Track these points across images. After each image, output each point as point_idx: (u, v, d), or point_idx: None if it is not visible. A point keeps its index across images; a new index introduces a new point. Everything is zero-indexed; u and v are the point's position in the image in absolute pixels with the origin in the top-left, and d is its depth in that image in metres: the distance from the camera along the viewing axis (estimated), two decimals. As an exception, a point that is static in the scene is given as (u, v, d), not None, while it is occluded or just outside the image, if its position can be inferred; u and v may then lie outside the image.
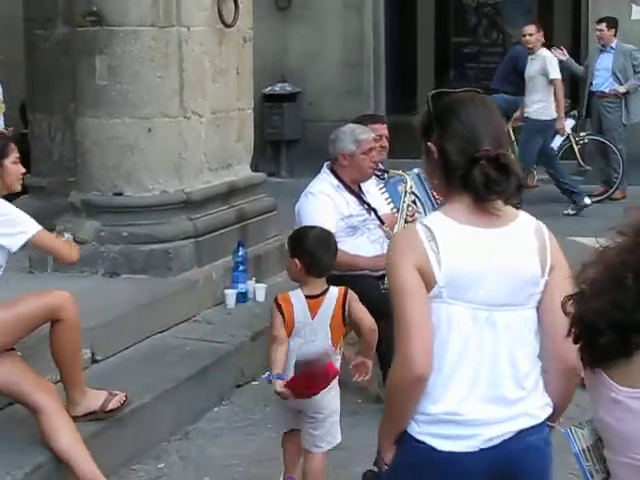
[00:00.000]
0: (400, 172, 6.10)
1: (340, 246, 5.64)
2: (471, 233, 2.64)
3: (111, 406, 4.79)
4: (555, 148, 11.87)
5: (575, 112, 12.75)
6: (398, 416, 2.68)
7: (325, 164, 5.99)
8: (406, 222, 5.78)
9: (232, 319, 6.47)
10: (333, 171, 5.91)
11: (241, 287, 6.75)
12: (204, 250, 6.76)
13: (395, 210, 6.08)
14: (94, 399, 4.78)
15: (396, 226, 5.77)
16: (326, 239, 4.48)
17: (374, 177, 6.08)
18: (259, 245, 7.43)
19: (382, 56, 14.48)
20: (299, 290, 4.34)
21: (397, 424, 2.69)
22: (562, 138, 11.88)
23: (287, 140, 14.24)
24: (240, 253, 6.77)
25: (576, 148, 12.46)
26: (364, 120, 6.34)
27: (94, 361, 5.49)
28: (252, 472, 4.94)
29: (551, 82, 11.40)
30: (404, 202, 5.85)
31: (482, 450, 2.62)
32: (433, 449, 2.62)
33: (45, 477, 4.38)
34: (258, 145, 13.87)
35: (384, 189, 6.22)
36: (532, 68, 11.55)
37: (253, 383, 6.12)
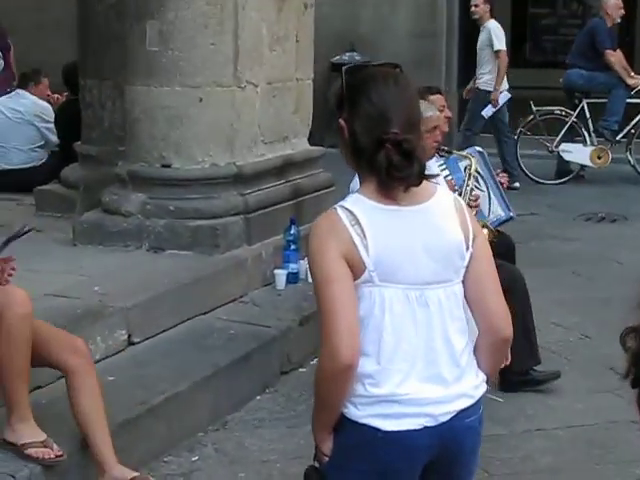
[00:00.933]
0: (464, 153, 5.71)
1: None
2: (394, 213, 2.59)
3: (30, 452, 3.97)
4: (485, 117, 11.60)
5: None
6: (331, 405, 2.62)
7: (383, 142, 5.61)
8: (469, 207, 5.38)
9: (281, 301, 6.15)
10: (392, 149, 5.53)
11: (292, 267, 6.42)
12: (254, 227, 6.44)
13: (457, 188, 5.70)
14: (27, 434, 4.02)
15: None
16: None
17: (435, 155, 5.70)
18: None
19: (456, 26, 14.07)
20: None
21: (331, 413, 2.63)
22: (493, 109, 11.51)
23: (354, 111, 13.86)
24: (292, 231, 6.44)
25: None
26: (422, 93, 5.93)
27: (130, 343, 5.22)
28: (291, 470, 4.60)
29: (496, 53, 11.41)
30: (467, 186, 5.46)
31: (426, 428, 2.60)
32: (377, 429, 2.58)
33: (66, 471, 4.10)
34: (324, 116, 13.63)
35: (444, 166, 5.84)
36: (480, 40, 11.64)
37: (300, 370, 5.81)
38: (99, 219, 6.39)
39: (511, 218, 6.08)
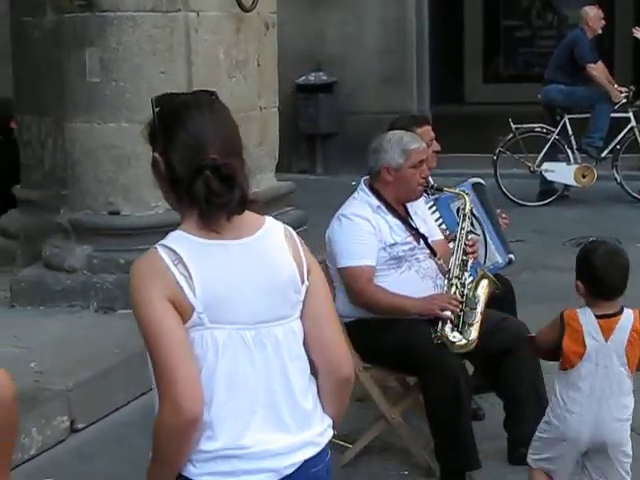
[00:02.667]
0: (457, 191, 4.97)
1: (382, 282, 4.64)
2: (219, 248, 2.46)
3: None
4: None
5: (640, 102, 11.56)
6: (172, 462, 2.43)
7: (362, 180, 4.89)
8: (465, 254, 4.65)
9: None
10: (373, 188, 4.80)
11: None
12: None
13: (449, 233, 4.98)
14: None
15: (452, 258, 4.64)
16: (615, 256, 3.94)
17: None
18: (286, 268, 6.34)
19: (426, 41, 13.50)
20: (587, 309, 3.85)
21: (171, 470, 2.44)
22: None
23: (323, 134, 13.35)
24: (261, 281, 5.68)
25: (641, 140, 11.30)
26: (407, 124, 5.20)
27: (73, 430, 4.46)
28: None
29: None
30: (462, 229, 4.72)
31: None
32: None
33: None
34: (292, 140, 13.11)
35: (434, 207, 5.11)
36: None
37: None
38: (40, 276, 5.67)
39: (510, 262, 5.39)
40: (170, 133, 2.50)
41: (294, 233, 2.62)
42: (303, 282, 2.53)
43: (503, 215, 5.46)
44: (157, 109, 2.53)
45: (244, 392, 2.45)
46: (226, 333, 2.43)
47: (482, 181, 5.51)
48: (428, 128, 5.24)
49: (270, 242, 2.54)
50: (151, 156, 2.53)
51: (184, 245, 2.43)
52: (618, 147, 11.30)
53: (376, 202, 4.77)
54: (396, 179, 4.74)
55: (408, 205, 4.88)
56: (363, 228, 4.69)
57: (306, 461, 2.51)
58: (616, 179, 11.28)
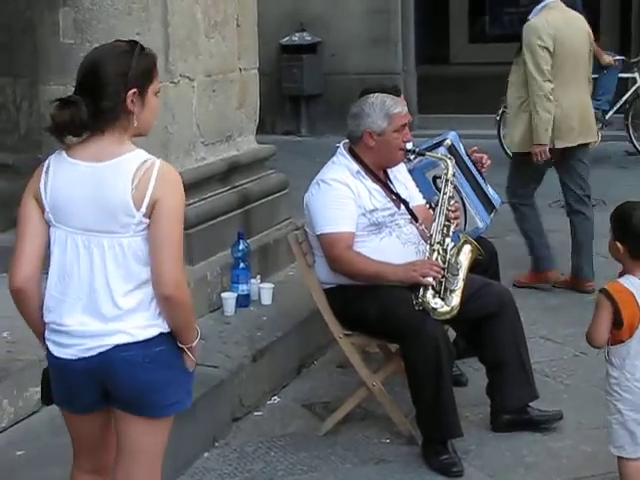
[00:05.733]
0: (439, 155, 4.85)
1: (362, 248, 4.54)
2: (75, 166, 2.99)
3: None
4: None
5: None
6: (25, 319, 3.12)
7: (342, 144, 4.78)
8: (447, 219, 4.55)
9: (230, 331, 5.28)
10: (353, 153, 4.69)
11: (242, 289, 5.56)
12: (196, 244, 5.55)
13: (425, 202, 4.88)
14: None
15: (434, 224, 4.54)
16: None
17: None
18: (266, 232, 6.23)
19: (411, 1, 13.28)
20: (629, 276, 3.76)
21: (30, 327, 3.15)
22: None
23: (307, 95, 13.30)
24: (240, 246, 5.57)
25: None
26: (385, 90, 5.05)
27: (48, 401, 4.33)
28: None
29: None
30: (445, 194, 4.60)
31: (81, 359, 3.02)
32: (51, 353, 3.09)
33: None
34: (276, 101, 12.97)
35: (411, 175, 5.01)
36: None
37: (255, 414, 4.97)
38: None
39: (495, 209, 5.43)
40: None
41: (156, 169, 2.96)
42: (139, 209, 2.94)
43: (480, 155, 5.41)
44: None
45: (70, 282, 3.01)
46: (64, 233, 3.01)
47: (452, 139, 5.34)
48: (402, 100, 5.10)
49: (116, 170, 2.97)
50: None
51: (56, 160, 3.04)
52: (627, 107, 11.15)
53: (356, 167, 4.66)
54: (379, 144, 4.64)
55: (388, 170, 4.78)
56: (342, 193, 4.58)
57: (117, 346, 3.00)
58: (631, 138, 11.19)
